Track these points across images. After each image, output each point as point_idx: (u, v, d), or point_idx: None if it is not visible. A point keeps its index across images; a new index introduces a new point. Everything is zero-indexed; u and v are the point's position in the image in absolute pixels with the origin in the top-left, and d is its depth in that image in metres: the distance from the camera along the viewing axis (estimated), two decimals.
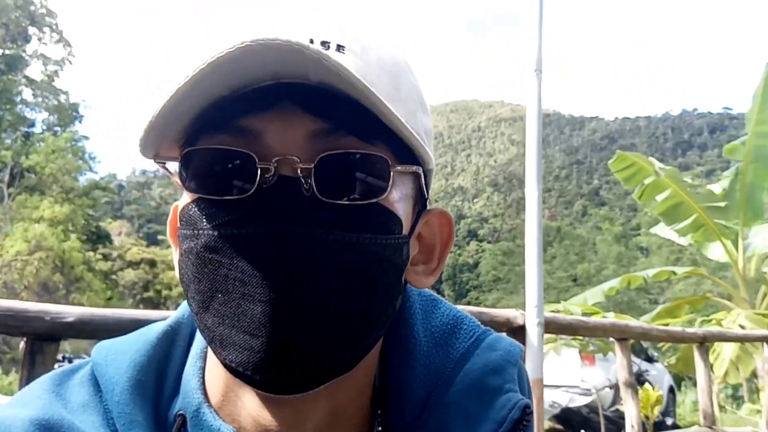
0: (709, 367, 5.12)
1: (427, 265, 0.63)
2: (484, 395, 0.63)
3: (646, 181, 10.65)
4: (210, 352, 0.59)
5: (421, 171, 0.57)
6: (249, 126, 0.51)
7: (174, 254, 0.59)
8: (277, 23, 0.55)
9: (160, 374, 0.60)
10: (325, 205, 0.50)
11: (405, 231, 0.56)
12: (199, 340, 0.62)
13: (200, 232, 0.52)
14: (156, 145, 0.54)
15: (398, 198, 0.56)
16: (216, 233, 0.50)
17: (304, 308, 0.49)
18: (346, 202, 0.51)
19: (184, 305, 0.65)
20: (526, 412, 0.62)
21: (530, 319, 3.36)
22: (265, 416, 0.56)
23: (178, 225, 0.55)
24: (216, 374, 0.58)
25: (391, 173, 0.53)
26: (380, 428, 0.63)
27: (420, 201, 0.60)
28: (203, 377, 0.60)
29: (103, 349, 0.62)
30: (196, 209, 0.52)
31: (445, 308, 0.70)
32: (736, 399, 11.10)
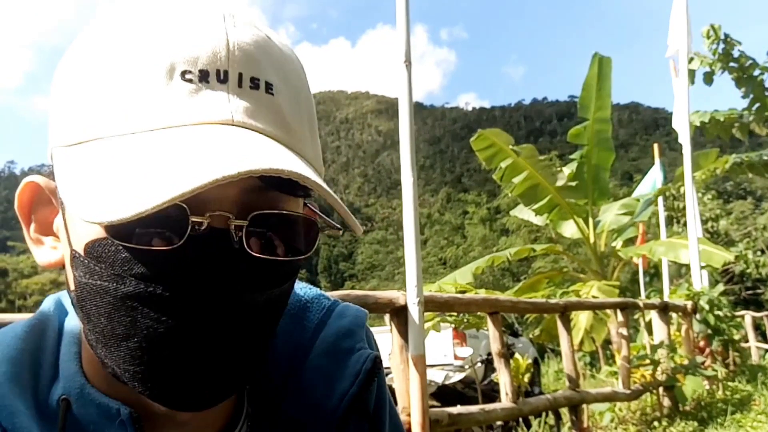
0: (571, 334, 5.55)
1: None
2: (340, 356, 0.70)
3: (503, 164, 11.22)
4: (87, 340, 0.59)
5: (340, 232, 0.61)
6: None
7: (31, 245, 0.59)
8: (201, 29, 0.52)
9: (34, 365, 0.60)
10: (252, 259, 0.51)
11: None
12: (70, 328, 0.63)
13: (122, 277, 0.50)
14: None
15: None
16: (141, 284, 0.49)
17: (224, 356, 0.52)
18: (272, 258, 0.53)
19: (50, 300, 0.67)
20: (376, 362, 0.70)
21: (411, 298, 3.45)
22: None
23: (82, 254, 0.52)
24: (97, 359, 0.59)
25: (319, 235, 0.57)
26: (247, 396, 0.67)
27: None
28: (80, 362, 0.61)
29: None
30: (115, 249, 0.50)
31: (296, 288, 0.74)
32: (593, 366, 12.04)
